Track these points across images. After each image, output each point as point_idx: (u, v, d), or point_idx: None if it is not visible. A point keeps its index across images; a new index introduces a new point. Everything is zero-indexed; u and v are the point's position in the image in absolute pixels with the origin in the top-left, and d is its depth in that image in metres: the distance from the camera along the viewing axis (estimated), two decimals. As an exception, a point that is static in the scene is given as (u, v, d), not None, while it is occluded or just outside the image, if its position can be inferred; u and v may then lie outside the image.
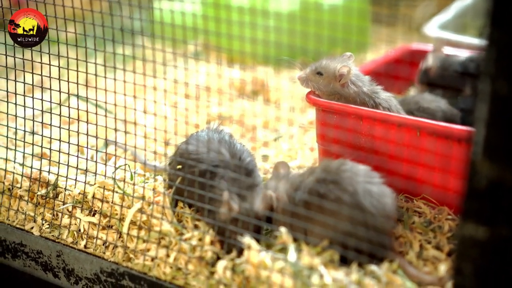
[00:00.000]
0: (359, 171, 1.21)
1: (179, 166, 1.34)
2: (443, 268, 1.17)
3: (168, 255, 1.29)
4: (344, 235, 1.17)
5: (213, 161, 1.31)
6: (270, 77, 2.15)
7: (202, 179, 1.28)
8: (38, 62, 1.45)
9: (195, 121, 1.89)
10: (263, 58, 2.09)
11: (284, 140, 1.81)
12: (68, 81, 1.41)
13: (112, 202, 1.37)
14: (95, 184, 1.40)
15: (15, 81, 1.50)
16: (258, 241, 1.23)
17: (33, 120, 1.54)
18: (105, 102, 1.43)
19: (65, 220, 1.42)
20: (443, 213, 1.33)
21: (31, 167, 1.48)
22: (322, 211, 1.18)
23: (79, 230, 1.40)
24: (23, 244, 1.45)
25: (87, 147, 1.48)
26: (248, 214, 1.24)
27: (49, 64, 1.45)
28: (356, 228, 1.16)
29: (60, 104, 1.47)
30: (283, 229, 1.21)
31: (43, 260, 1.43)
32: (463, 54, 1.75)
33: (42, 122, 1.50)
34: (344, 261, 1.19)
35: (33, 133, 1.54)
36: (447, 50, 1.78)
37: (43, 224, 1.44)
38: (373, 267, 1.16)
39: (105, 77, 1.39)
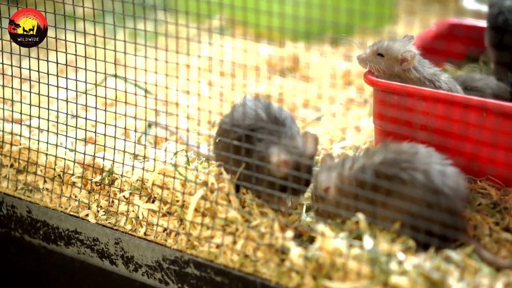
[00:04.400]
0: (432, 153, 1.20)
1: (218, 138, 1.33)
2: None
3: (235, 242, 1.27)
4: (416, 218, 1.15)
5: (250, 124, 1.29)
6: (306, 53, 2.11)
7: (241, 144, 1.26)
8: (63, 40, 1.41)
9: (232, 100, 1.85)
10: (300, 34, 2.04)
11: (326, 118, 1.78)
12: (95, 59, 1.37)
13: (173, 189, 1.34)
14: (154, 170, 1.37)
15: (47, 60, 1.44)
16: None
17: (76, 103, 1.50)
18: (145, 83, 1.39)
19: (122, 207, 1.39)
20: (509, 194, 1.32)
21: (84, 153, 1.44)
22: (392, 194, 1.16)
23: (137, 217, 1.38)
24: (77, 231, 1.42)
25: (135, 131, 1.45)
26: (300, 159, 1.23)
27: (75, 42, 1.39)
28: (429, 210, 1.15)
29: (96, 85, 1.42)
30: (360, 216, 1.19)
31: (99, 248, 1.40)
32: None
33: (86, 106, 1.46)
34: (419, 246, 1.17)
35: (76, 116, 1.50)
36: None
37: (98, 211, 1.41)
38: (449, 252, 1.15)
39: (135, 55, 1.34)
